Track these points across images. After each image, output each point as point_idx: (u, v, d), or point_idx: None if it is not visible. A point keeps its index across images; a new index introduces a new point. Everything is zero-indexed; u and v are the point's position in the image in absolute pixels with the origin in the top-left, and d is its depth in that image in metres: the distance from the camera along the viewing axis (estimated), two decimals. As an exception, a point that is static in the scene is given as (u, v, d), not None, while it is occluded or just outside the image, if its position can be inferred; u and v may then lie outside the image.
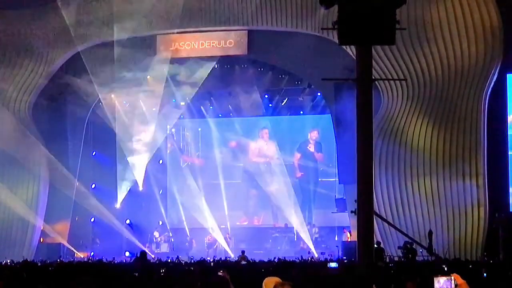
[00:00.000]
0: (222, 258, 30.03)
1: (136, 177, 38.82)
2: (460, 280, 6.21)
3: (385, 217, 30.90)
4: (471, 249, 30.35)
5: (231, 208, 39.02)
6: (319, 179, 39.43)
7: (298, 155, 39.64)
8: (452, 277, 6.18)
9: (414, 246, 26.36)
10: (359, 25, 14.83)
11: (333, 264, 19.18)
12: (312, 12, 32.00)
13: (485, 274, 15.23)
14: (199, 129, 40.81)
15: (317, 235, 37.44)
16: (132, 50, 34.94)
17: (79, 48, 35.20)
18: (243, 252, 30.92)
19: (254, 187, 39.71)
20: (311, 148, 39.39)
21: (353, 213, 26.39)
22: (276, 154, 39.74)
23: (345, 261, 25.83)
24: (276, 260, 25.93)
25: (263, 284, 8.58)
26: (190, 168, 40.64)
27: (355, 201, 25.89)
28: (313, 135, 39.46)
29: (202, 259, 27.83)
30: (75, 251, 36.14)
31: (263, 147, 40.22)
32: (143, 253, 26.99)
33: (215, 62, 36.22)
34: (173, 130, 41.60)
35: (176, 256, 30.18)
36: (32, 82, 35.24)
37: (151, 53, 35.50)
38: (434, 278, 6.16)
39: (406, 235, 27.48)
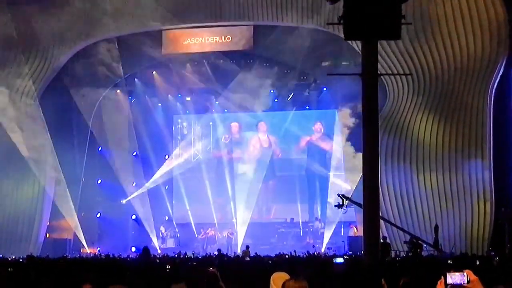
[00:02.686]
0: (228, 253, 30.02)
1: (142, 173, 38.87)
2: (473, 276, 6.18)
3: (391, 212, 31.01)
4: (477, 244, 30.31)
5: (238, 203, 39.00)
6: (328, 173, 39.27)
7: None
8: (465, 273, 6.16)
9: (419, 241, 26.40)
10: (364, 20, 14.79)
11: (339, 260, 19.14)
12: (317, 7, 31.96)
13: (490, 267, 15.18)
14: (210, 123, 40.74)
15: (323, 230, 37.43)
16: (138, 45, 34.98)
17: (84, 44, 35.24)
18: (247, 247, 30.94)
19: (261, 182, 39.61)
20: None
21: (337, 207, 26.68)
22: (278, 149, 39.79)
23: (350, 256, 25.78)
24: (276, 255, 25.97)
25: (271, 279, 8.49)
26: (197, 163, 40.64)
27: (338, 195, 26.08)
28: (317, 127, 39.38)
29: (207, 254, 27.89)
30: (82, 246, 36.19)
31: (264, 141, 40.22)
32: (146, 249, 26.94)
33: (220, 57, 36.27)
34: (184, 124, 41.53)
35: (184, 252, 30.17)
36: (39, 77, 35.27)
37: (157, 48, 35.52)
38: (447, 274, 6.14)
39: (409, 233, 27.49)
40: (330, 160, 38.52)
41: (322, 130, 39.32)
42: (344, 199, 25.43)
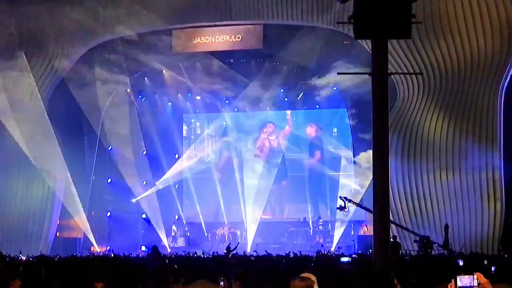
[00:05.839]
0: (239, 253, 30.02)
1: (152, 172, 38.92)
2: (483, 279, 6.19)
3: (401, 211, 30.98)
4: (487, 243, 30.27)
5: (248, 203, 39.00)
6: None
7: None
8: (475, 276, 6.18)
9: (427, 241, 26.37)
10: (374, 19, 14.76)
11: (345, 259, 19.28)
12: (327, 6, 31.93)
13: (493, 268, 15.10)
14: (224, 123, 40.72)
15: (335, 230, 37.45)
16: (147, 45, 35.00)
17: (94, 43, 35.28)
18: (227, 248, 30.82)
19: (272, 182, 39.59)
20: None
21: (338, 209, 26.76)
22: (286, 149, 39.82)
23: (358, 255, 25.78)
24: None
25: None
26: (207, 162, 40.67)
27: (340, 197, 26.17)
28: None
29: (215, 253, 27.90)
30: (92, 245, 36.25)
31: (273, 141, 40.24)
32: (155, 248, 26.98)
33: (230, 56, 36.30)
34: (195, 123, 41.56)
35: (193, 252, 30.19)
36: (48, 77, 35.32)
37: (166, 47, 35.54)
38: (457, 277, 6.16)
39: (417, 234, 27.45)
40: (340, 160, 38.57)
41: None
42: (346, 201, 25.65)
